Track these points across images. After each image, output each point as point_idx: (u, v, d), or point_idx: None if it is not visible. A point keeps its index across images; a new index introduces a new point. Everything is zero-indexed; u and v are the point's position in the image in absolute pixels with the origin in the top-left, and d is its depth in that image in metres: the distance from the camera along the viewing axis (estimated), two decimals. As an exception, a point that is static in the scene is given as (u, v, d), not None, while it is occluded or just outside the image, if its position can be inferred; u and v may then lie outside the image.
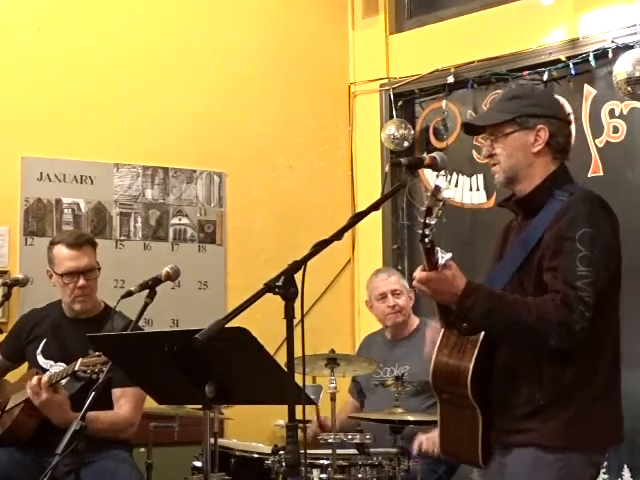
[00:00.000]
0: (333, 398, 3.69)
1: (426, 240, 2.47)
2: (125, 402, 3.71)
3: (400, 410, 3.75)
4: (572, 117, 3.17)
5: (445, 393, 2.74)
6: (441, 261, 2.54)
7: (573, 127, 3.02)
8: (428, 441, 4.05)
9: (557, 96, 3.36)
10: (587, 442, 2.61)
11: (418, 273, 2.60)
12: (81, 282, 3.75)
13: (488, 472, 2.75)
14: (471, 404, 2.65)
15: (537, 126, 2.71)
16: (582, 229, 2.57)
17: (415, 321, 4.54)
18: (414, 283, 2.63)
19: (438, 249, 2.54)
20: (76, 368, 3.40)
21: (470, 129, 2.91)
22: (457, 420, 2.73)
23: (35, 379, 3.52)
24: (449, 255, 2.56)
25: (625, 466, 4.38)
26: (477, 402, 2.64)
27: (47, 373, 3.61)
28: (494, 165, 2.78)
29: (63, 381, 3.55)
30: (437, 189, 2.42)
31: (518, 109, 2.73)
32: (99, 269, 3.82)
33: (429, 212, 2.44)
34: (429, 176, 5.21)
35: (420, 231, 2.46)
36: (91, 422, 3.21)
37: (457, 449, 2.79)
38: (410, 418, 3.76)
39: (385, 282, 4.53)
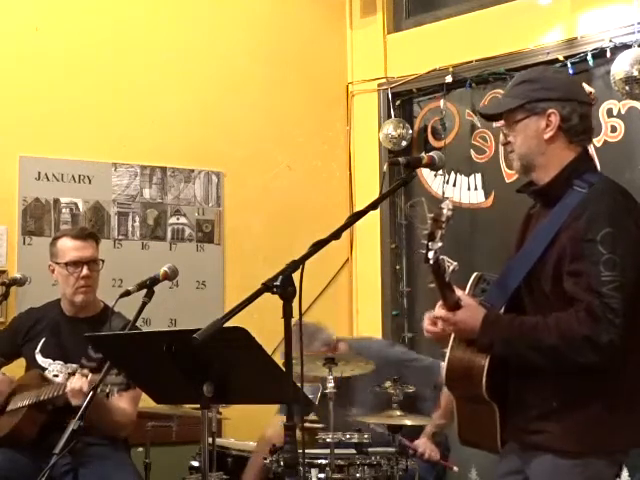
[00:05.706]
0: (331, 398, 3.68)
1: (430, 262, 2.39)
2: (123, 400, 3.70)
3: (398, 413, 3.74)
4: (593, 95, 3.01)
5: (458, 390, 2.68)
6: (448, 270, 2.45)
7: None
8: (425, 446, 4.04)
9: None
10: (604, 447, 2.49)
11: (436, 316, 2.57)
12: (85, 272, 3.75)
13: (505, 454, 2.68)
14: (487, 400, 2.57)
15: (547, 111, 2.58)
16: (603, 229, 2.42)
17: None
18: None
19: (445, 258, 2.44)
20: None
21: (487, 116, 2.81)
22: (473, 414, 2.67)
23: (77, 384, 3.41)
24: (455, 264, 2.46)
25: (623, 465, 4.36)
26: (492, 399, 2.57)
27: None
28: (511, 152, 2.66)
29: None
30: (438, 214, 2.35)
31: (527, 94, 2.61)
32: (103, 261, 3.83)
33: (432, 237, 2.36)
34: (427, 176, 5.23)
35: (423, 252, 2.38)
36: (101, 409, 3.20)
37: (475, 439, 2.73)
38: (408, 422, 3.75)
39: None
